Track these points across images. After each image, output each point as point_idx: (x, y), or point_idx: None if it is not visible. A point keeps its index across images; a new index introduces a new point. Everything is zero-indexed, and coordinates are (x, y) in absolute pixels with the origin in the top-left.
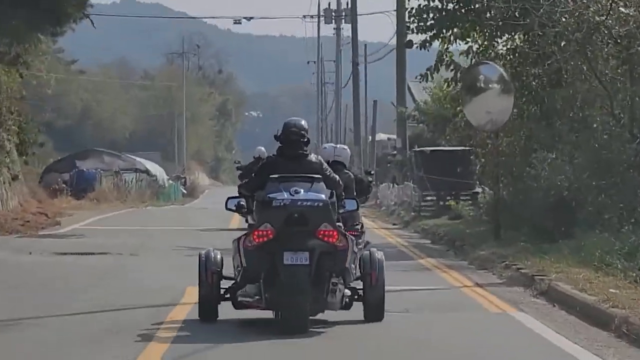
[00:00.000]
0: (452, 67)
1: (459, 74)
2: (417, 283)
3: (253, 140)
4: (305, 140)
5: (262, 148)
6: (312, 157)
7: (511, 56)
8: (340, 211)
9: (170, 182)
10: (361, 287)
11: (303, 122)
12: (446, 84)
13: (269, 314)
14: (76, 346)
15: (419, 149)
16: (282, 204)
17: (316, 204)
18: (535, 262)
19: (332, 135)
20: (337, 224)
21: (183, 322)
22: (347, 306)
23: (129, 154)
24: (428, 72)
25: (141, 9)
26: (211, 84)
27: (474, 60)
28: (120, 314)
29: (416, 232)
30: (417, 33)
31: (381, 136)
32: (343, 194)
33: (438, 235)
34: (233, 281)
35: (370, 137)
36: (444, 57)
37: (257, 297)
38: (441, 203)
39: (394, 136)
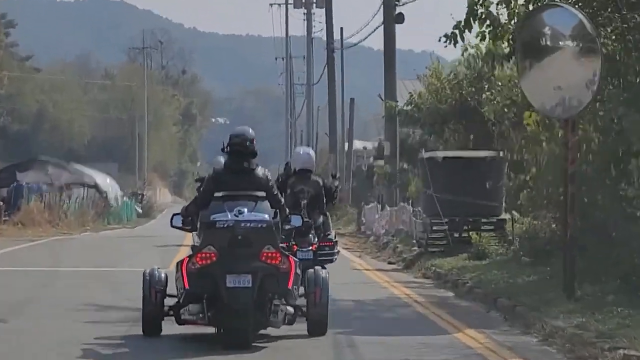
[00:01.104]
0: (488, 23)
1: (499, 32)
2: None
3: (218, 150)
4: (251, 151)
5: (221, 158)
6: (259, 171)
7: None
8: (287, 227)
9: (125, 199)
10: (304, 304)
11: (249, 132)
12: (480, 37)
13: (211, 330)
14: None
15: (427, 155)
16: (225, 225)
17: (260, 225)
18: None
19: (303, 142)
20: (281, 245)
21: (124, 337)
22: (290, 322)
23: (78, 164)
24: (457, 32)
25: (106, 6)
26: (174, 84)
27: (534, 3)
28: None
29: (426, 276)
30: None
31: (356, 144)
32: (287, 210)
33: (463, 285)
34: (177, 299)
35: (346, 144)
36: (478, 6)
37: (200, 314)
38: (455, 235)
39: (370, 143)
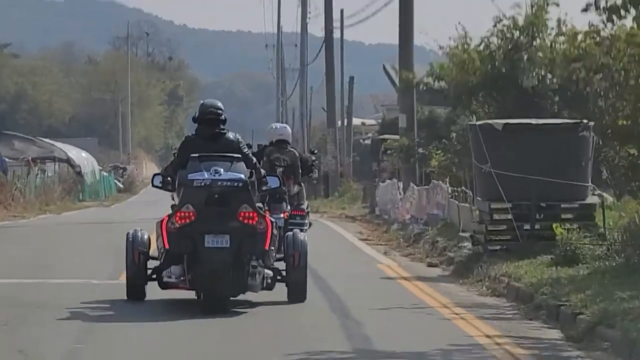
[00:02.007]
0: None
1: None
2: None
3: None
4: (222, 118)
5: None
6: (230, 135)
7: None
8: (264, 188)
9: (104, 174)
10: (284, 268)
11: (219, 103)
12: None
13: (192, 294)
14: None
15: (483, 123)
16: (202, 184)
17: (236, 184)
18: None
19: (295, 121)
20: (258, 204)
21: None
22: (269, 287)
23: (48, 138)
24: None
25: (94, 5)
26: (161, 69)
27: None
28: None
29: (496, 293)
30: None
31: (355, 121)
32: (263, 171)
33: (573, 318)
34: (158, 260)
35: (345, 121)
36: None
37: (181, 278)
38: (526, 227)
39: (372, 120)
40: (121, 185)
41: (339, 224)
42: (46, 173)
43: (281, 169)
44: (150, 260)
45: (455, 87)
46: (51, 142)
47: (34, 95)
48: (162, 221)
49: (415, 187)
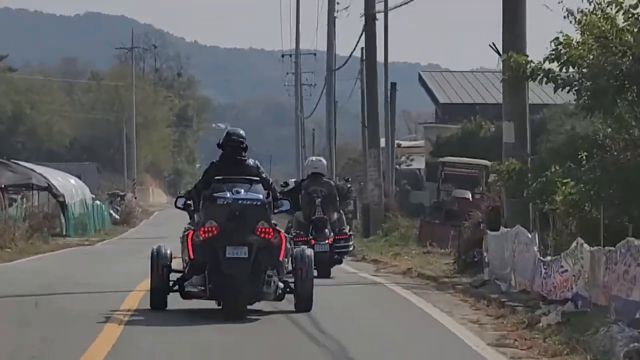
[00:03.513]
0: None
1: None
2: None
3: (219, 153)
4: (244, 146)
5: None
6: (250, 161)
7: None
8: (275, 211)
9: (98, 203)
10: (293, 281)
11: (242, 132)
12: None
13: (212, 304)
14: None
15: None
16: (225, 202)
17: (255, 202)
18: None
19: (317, 142)
20: (273, 222)
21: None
22: (279, 297)
23: (27, 162)
24: None
25: (106, 20)
26: (169, 87)
27: None
28: None
29: None
30: None
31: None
32: (278, 195)
33: None
34: (181, 273)
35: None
36: None
37: (202, 287)
38: None
39: (408, 142)
40: (117, 217)
41: (420, 294)
42: (16, 204)
43: (319, 199)
44: (172, 273)
45: (593, 76)
46: (30, 166)
47: (32, 116)
48: (187, 235)
49: (586, 246)
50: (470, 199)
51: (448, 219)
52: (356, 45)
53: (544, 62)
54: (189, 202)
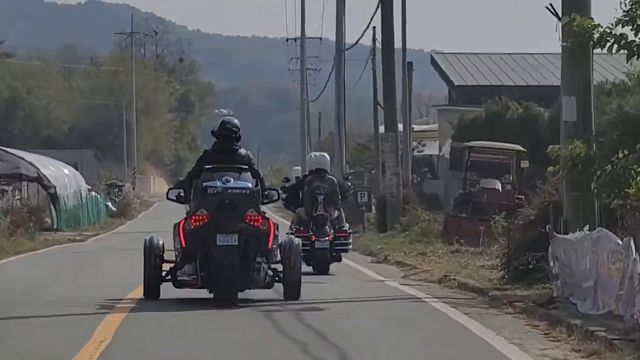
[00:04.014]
0: None
1: None
2: None
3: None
4: (237, 136)
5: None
6: (242, 151)
7: None
8: (265, 201)
9: (93, 194)
10: (281, 269)
11: (236, 122)
12: None
13: (204, 293)
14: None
15: None
16: (215, 191)
17: (244, 191)
18: None
19: (323, 127)
20: (262, 210)
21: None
22: (269, 285)
23: (16, 149)
24: None
25: (107, 9)
26: (170, 72)
27: None
28: None
29: None
30: None
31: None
32: (265, 184)
33: None
34: (173, 263)
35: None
36: None
37: (193, 276)
38: None
39: (420, 126)
40: (114, 208)
41: (474, 315)
42: (6, 197)
43: (322, 196)
44: (164, 263)
45: None
46: (20, 154)
47: (29, 101)
48: (178, 224)
49: None
50: (500, 189)
51: (476, 213)
52: (369, 25)
53: (615, 25)
54: (182, 192)
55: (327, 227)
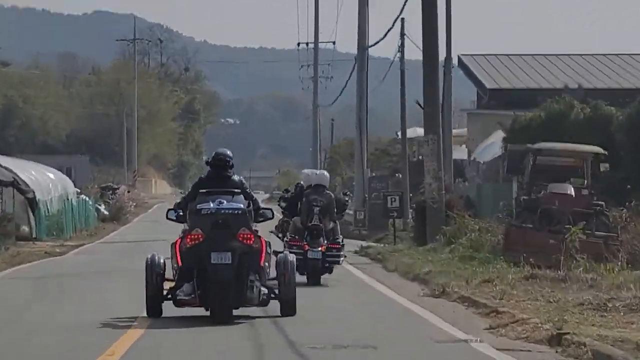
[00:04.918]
0: None
1: None
2: None
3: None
4: (230, 164)
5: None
6: (235, 177)
7: None
8: (260, 219)
9: (84, 198)
10: (277, 287)
11: (229, 152)
12: None
13: (202, 311)
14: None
15: None
16: (209, 211)
17: (236, 211)
18: None
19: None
20: (254, 229)
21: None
22: (264, 302)
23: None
24: None
25: (115, 19)
26: (175, 81)
27: None
28: None
29: None
30: None
31: (417, 132)
32: (260, 204)
33: None
34: (173, 283)
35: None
36: None
37: (192, 295)
38: None
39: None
40: (106, 212)
41: None
42: None
43: (318, 208)
44: (165, 281)
45: None
46: None
47: (25, 109)
48: (175, 243)
49: None
50: (573, 194)
51: (544, 223)
52: (399, 16)
53: None
54: (180, 212)
55: (321, 237)
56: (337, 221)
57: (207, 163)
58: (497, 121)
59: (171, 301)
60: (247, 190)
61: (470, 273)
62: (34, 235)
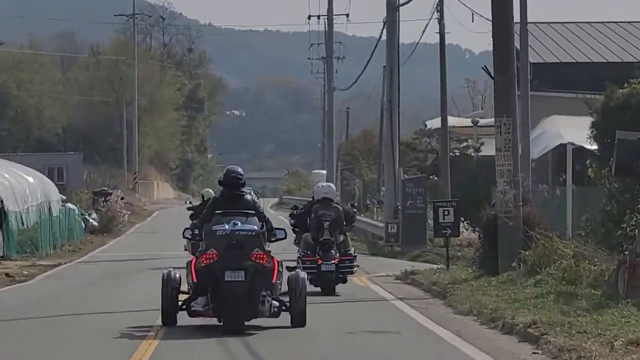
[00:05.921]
0: None
1: None
2: None
3: (233, 141)
4: (242, 182)
5: (210, 190)
6: (248, 196)
7: None
8: (272, 239)
9: (70, 207)
10: (288, 300)
11: (239, 169)
12: None
13: (214, 321)
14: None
15: None
16: (224, 232)
17: (250, 233)
18: None
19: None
20: (267, 249)
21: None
22: (275, 314)
23: None
24: None
25: (120, 3)
26: (178, 64)
27: None
28: None
29: None
30: None
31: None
32: (272, 225)
33: None
34: (188, 295)
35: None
36: None
37: (206, 307)
38: None
39: (487, 119)
40: (95, 223)
41: None
42: None
43: (328, 222)
44: (180, 294)
45: None
46: None
47: (20, 98)
48: (191, 261)
49: None
50: None
51: None
52: None
53: None
54: (196, 231)
55: (333, 251)
56: (347, 233)
57: (219, 182)
58: (584, 100)
59: (185, 312)
60: (260, 210)
61: (602, 327)
62: (2, 254)
